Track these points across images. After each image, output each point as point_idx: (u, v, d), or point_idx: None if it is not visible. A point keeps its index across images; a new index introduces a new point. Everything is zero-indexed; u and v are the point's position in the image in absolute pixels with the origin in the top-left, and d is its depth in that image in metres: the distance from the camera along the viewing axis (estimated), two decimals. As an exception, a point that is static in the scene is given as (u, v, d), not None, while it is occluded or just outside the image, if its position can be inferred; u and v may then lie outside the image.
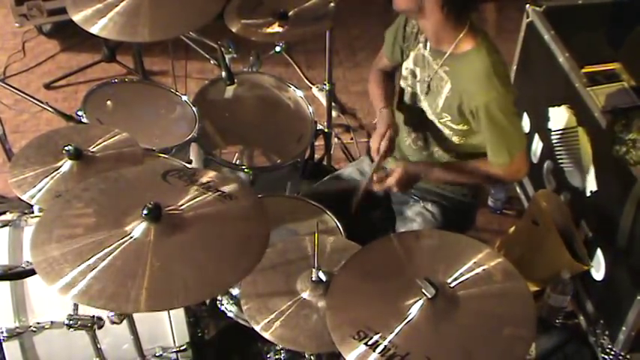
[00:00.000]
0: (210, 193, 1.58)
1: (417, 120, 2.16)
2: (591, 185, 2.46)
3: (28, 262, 1.91)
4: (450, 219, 2.23)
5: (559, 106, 2.62)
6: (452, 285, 1.53)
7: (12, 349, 1.88)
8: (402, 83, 2.20)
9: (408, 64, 2.15)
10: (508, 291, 1.55)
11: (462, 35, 1.94)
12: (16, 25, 3.68)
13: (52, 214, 1.54)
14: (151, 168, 1.75)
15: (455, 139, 2.09)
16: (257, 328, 1.60)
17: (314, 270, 1.65)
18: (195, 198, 1.56)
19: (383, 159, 2.08)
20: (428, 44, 2.05)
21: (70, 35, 3.80)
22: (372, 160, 2.12)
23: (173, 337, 2.04)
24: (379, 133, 2.09)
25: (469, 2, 1.92)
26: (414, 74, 2.12)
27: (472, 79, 1.93)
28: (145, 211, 1.45)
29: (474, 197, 2.28)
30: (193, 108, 2.46)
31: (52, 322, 1.89)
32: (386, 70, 2.31)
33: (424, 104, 2.11)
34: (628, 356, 2.40)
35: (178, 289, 1.38)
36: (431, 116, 2.10)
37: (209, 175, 1.64)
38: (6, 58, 3.78)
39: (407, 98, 2.19)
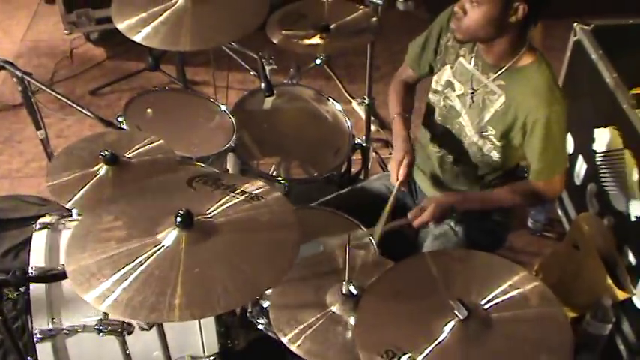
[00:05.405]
0: (236, 196, 1.58)
1: (451, 135, 2.13)
2: (636, 210, 2.38)
3: (64, 264, 1.93)
4: (474, 238, 2.20)
5: (605, 127, 2.55)
6: (485, 307, 1.49)
7: (44, 350, 1.89)
8: (434, 97, 2.16)
9: (443, 77, 2.11)
10: (544, 316, 1.50)
11: (524, 50, 1.94)
12: (65, 32, 3.78)
13: (84, 229, 1.55)
14: (175, 176, 1.76)
15: (494, 153, 2.06)
16: (284, 339, 1.58)
17: (344, 283, 1.63)
18: (222, 202, 1.57)
19: (401, 186, 2.07)
20: (473, 58, 2.02)
21: (116, 43, 3.88)
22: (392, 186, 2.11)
23: (203, 347, 2.03)
24: (397, 160, 2.07)
25: (536, 19, 1.91)
26: (452, 87, 2.09)
27: (533, 92, 1.93)
28: (178, 219, 1.45)
29: (504, 217, 2.24)
30: (232, 118, 2.48)
31: (84, 325, 1.89)
32: (408, 82, 2.29)
33: (464, 118, 2.08)
34: (670, 389, 2.31)
35: (218, 294, 1.38)
36: (470, 131, 2.07)
37: (234, 179, 1.65)
38: (54, 65, 3.88)
39: (440, 113, 2.15)
